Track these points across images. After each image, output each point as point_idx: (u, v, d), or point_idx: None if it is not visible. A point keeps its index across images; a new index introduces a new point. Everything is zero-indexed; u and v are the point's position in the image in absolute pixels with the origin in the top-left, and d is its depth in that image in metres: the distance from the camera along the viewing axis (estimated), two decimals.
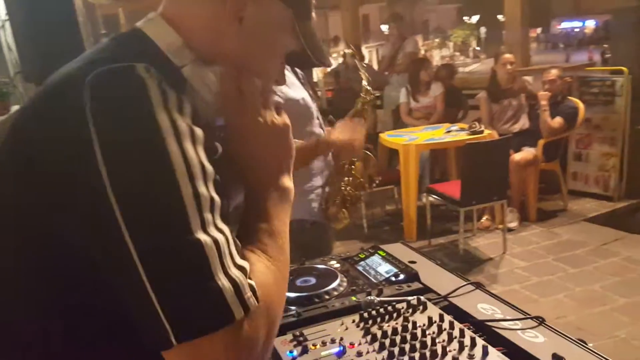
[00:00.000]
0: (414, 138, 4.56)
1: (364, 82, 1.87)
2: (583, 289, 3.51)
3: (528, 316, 1.20)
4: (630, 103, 4.97)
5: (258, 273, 0.69)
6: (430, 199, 4.38)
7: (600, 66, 5.65)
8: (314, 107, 1.94)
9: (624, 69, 4.95)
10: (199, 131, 0.65)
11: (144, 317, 0.60)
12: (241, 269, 0.64)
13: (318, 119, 1.98)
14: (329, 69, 6.73)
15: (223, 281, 0.60)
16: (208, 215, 0.62)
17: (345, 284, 1.36)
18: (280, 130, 0.80)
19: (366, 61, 7.63)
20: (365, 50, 8.11)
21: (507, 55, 4.86)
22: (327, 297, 1.30)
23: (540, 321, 1.18)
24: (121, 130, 0.61)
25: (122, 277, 0.60)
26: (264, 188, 0.79)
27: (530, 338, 1.11)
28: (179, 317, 0.59)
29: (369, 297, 1.25)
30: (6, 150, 0.69)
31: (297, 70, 1.93)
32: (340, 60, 7.02)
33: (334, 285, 1.34)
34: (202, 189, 0.62)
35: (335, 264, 1.51)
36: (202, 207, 0.62)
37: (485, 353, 1.02)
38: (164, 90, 0.63)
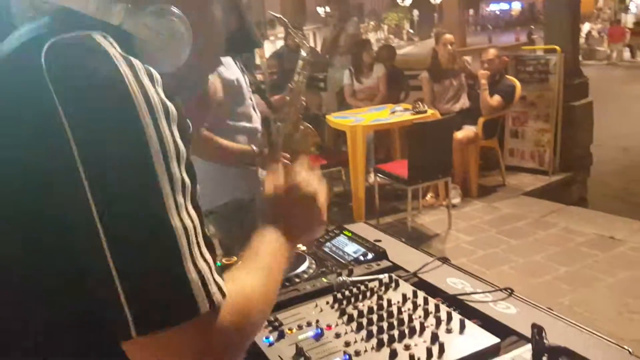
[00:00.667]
0: (360, 119, 4.58)
1: (303, 52, 1.85)
2: (526, 260, 3.67)
3: (497, 288, 1.22)
4: (563, 80, 5.20)
5: (237, 279, 0.67)
6: (379, 179, 4.43)
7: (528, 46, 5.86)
8: (246, 88, 2.00)
9: (557, 47, 5.16)
10: (172, 107, 0.60)
11: (107, 304, 0.55)
12: (207, 261, 0.60)
13: (251, 99, 2.04)
14: (268, 55, 6.63)
15: (191, 271, 0.57)
16: (180, 199, 0.58)
17: (314, 266, 1.34)
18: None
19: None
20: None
21: (448, 36, 4.96)
22: (297, 280, 1.27)
23: (510, 292, 1.20)
24: (90, 106, 0.55)
25: (89, 259, 0.56)
26: (288, 245, 0.82)
27: (502, 310, 1.13)
28: (142, 306, 0.55)
29: (340, 278, 1.23)
30: None
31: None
32: (281, 43, 6.92)
33: (303, 267, 1.31)
34: (175, 169, 0.58)
35: (301, 246, 1.48)
36: (175, 189, 0.57)
37: (462, 326, 1.03)
38: (128, 58, 0.58)
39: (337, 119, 4.76)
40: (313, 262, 1.36)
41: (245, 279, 0.69)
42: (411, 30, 35.97)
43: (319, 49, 7.10)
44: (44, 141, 0.55)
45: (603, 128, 6.24)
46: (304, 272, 1.30)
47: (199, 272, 0.58)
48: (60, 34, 0.59)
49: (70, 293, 0.59)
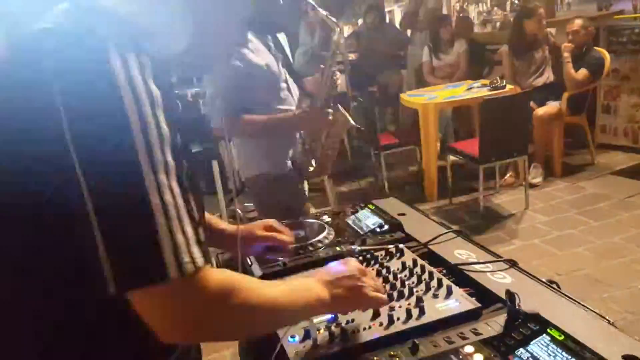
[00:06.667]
0: (433, 97, 4.53)
1: (334, 36, 1.81)
2: (603, 241, 3.49)
3: (500, 259, 1.25)
4: None
5: (251, 280, 0.80)
6: (453, 158, 4.38)
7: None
8: (280, 72, 2.00)
9: None
10: (157, 93, 0.68)
11: (90, 265, 0.64)
12: (186, 235, 0.67)
13: (286, 82, 2.04)
14: (346, 33, 6.62)
15: (164, 241, 0.64)
16: (163, 178, 0.66)
17: (331, 236, 1.44)
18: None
19: (387, 21, 7.50)
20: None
21: (542, 10, 4.71)
22: (312, 248, 1.38)
23: (512, 264, 1.23)
24: (82, 94, 0.64)
25: (78, 228, 0.64)
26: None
27: (498, 279, 1.17)
28: (121, 267, 0.64)
29: (351, 247, 1.33)
30: None
31: (269, 36, 1.99)
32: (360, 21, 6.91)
33: (320, 237, 1.42)
34: (157, 151, 0.66)
35: (326, 218, 1.59)
36: (157, 169, 0.65)
37: (449, 292, 1.09)
38: (122, 52, 0.66)
39: (410, 97, 4.74)
40: (332, 231, 1.46)
41: (259, 283, 0.81)
42: (516, 1, 33.91)
43: (398, 26, 7.00)
44: (38, 121, 0.65)
45: None
46: (319, 241, 1.40)
47: (174, 242, 0.65)
48: (62, 23, 0.66)
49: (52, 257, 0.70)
